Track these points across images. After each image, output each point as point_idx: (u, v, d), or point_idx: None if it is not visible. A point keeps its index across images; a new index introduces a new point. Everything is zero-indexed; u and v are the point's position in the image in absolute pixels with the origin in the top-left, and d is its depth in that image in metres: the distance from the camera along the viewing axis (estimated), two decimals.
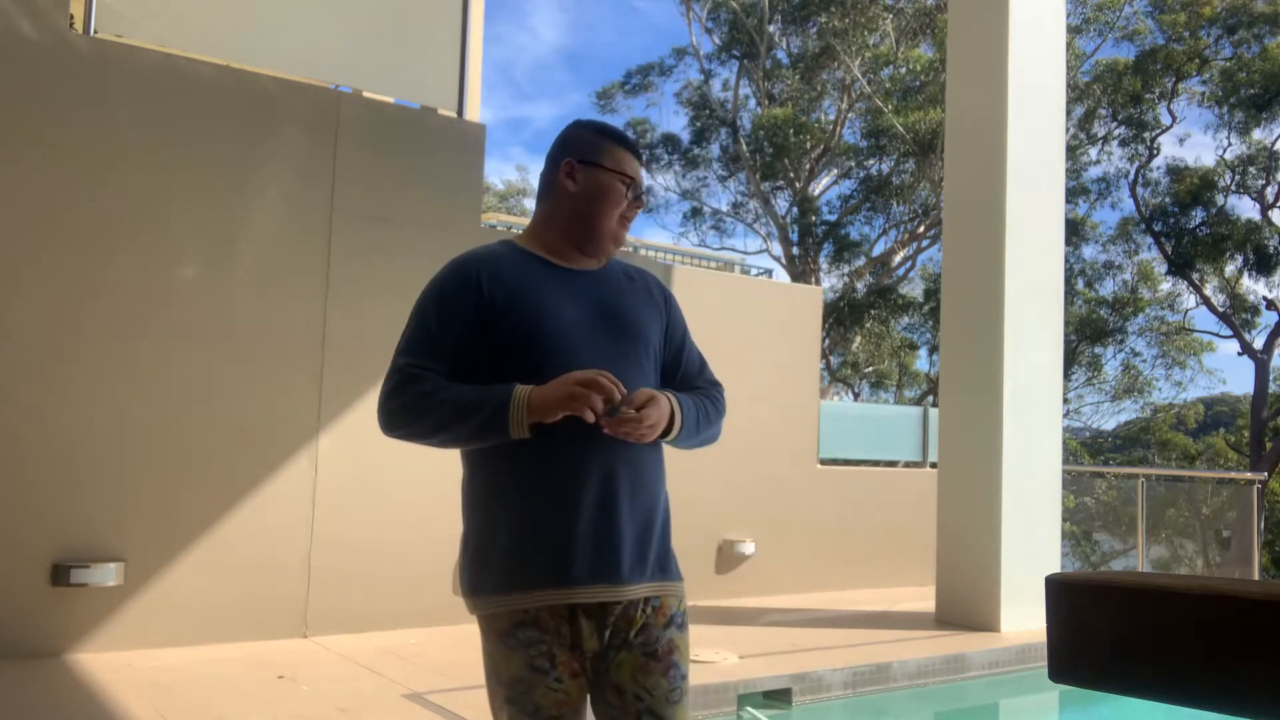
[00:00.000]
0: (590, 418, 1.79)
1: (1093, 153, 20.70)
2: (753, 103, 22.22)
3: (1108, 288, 21.63)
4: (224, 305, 5.35)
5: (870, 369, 22.99)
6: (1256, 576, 10.07)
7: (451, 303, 1.94)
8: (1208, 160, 33.30)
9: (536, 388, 1.81)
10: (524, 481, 1.87)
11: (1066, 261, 12.64)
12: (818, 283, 20.99)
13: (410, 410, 1.88)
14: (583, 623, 1.86)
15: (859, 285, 21.36)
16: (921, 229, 20.88)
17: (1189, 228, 20.35)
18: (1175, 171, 20.55)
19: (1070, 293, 20.34)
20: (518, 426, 1.80)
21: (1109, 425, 24.73)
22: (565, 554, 1.85)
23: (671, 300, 2.13)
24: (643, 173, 2.05)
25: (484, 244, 2.08)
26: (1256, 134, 20.09)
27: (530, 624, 1.85)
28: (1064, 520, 7.36)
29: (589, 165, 1.98)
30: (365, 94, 6.28)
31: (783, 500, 7.68)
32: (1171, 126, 20.63)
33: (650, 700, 1.88)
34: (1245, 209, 40.51)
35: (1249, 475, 11.81)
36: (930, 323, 20.93)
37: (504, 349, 1.89)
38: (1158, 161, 20.87)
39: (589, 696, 1.93)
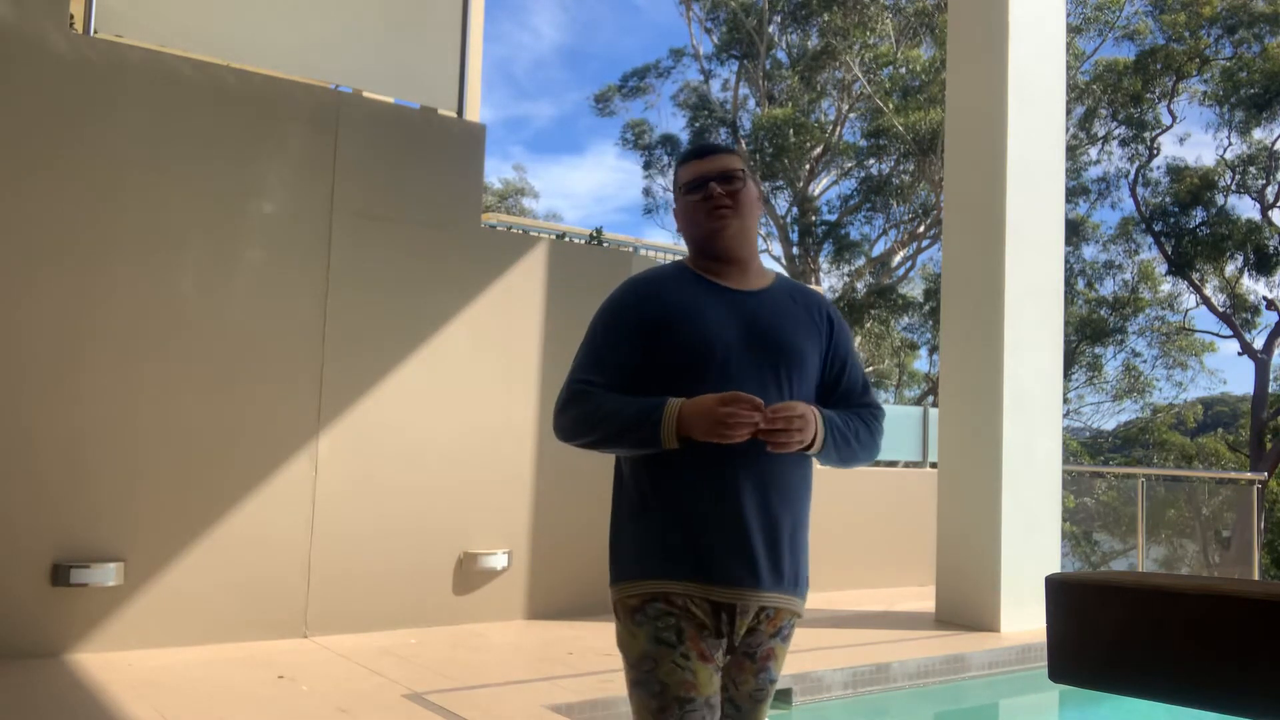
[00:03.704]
0: (738, 438, 1.88)
1: (1093, 153, 20.72)
2: (752, 103, 22.22)
3: (1108, 288, 21.65)
4: (225, 305, 5.35)
5: (870, 369, 22.99)
6: (1256, 576, 10.07)
7: (617, 325, 2.09)
8: (1208, 160, 33.28)
9: (687, 402, 1.93)
10: (673, 488, 1.99)
11: (1066, 261, 12.64)
12: (818, 283, 20.99)
13: (578, 424, 2.04)
14: (717, 615, 1.97)
15: (859, 285, 21.36)
16: (921, 229, 20.89)
17: (1189, 228, 20.35)
18: (1175, 171, 20.55)
19: (1070, 293, 20.33)
20: (669, 438, 1.93)
21: (1109, 425, 24.73)
22: (705, 558, 1.96)
23: (836, 323, 2.19)
24: (720, 159, 2.12)
25: (658, 265, 2.26)
26: (1257, 134, 20.11)
27: (660, 599, 1.95)
28: (1064, 520, 7.35)
29: (676, 196, 2.18)
30: (365, 94, 6.28)
31: None
32: (1171, 126, 20.65)
33: (734, 692, 2.03)
34: (1245, 209, 40.53)
35: (1249, 475, 11.80)
36: (930, 323, 20.92)
37: (664, 363, 2.02)
38: (1158, 161, 20.90)
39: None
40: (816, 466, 2.12)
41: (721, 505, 1.96)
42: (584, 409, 2.03)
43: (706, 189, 2.08)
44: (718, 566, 1.95)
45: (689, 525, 1.97)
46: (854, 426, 2.09)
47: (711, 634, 1.97)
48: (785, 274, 2.28)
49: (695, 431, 1.90)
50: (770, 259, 23.01)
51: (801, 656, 5.27)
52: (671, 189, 2.21)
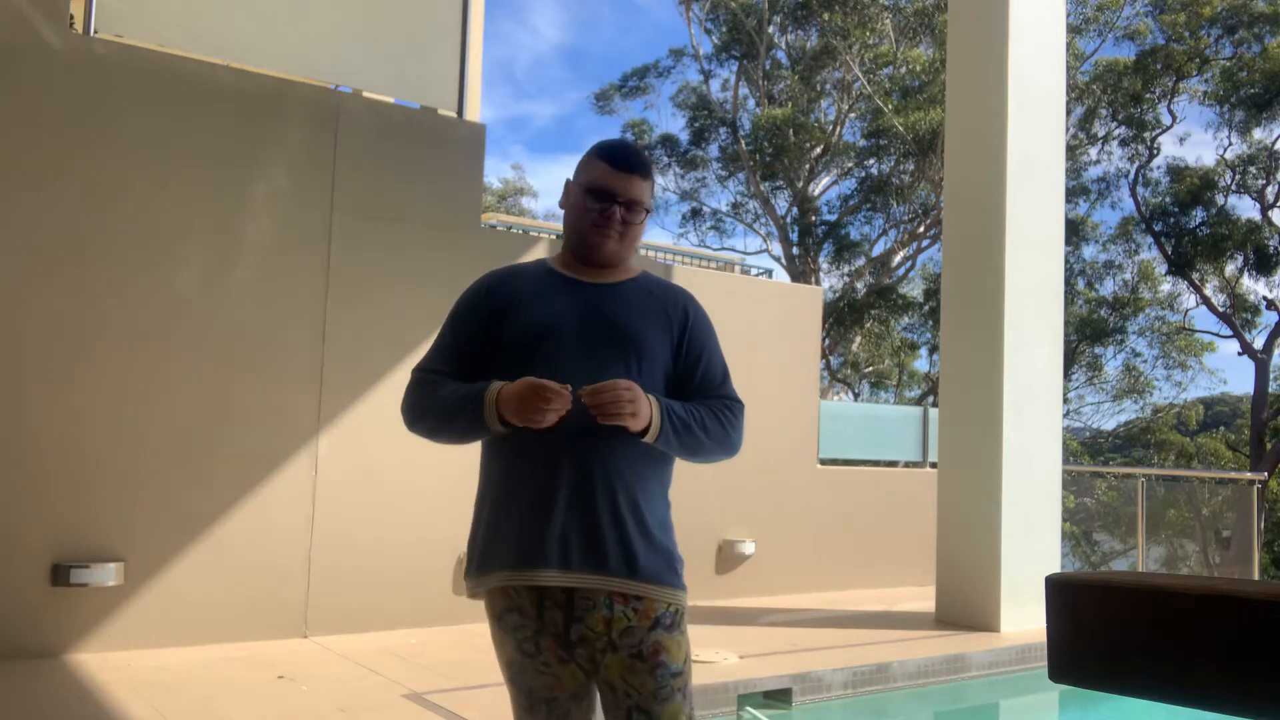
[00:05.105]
0: (546, 422, 1.90)
1: (1093, 153, 20.71)
2: (752, 103, 22.22)
3: (1108, 288, 21.65)
4: (225, 305, 5.35)
5: (870, 369, 22.99)
6: (1256, 576, 10.07)
7: (464, 312, 2.15)
8: (1208, 160, 33.28)
9: (506, 385, 1.94)
10: (501, 472, 2.04)
11: (1066, 261, 12.63)
12: (818, 283, 20.99)
13: (414, 411, 2.09)
14: (551, 610, 1.97)
15: (859, 285, 21.36)
16: (921, 229, 20.88)
17: (1189, 227, 20.35)
18: (1175, 171, 20.54)
19: (1070, 293, 20.33)
20: (491, 421, 1.95)
21: (1109, 425, 24.72)
22: (519, 539, 1.98)
23: (692, 317, 2.17)
24: (636, 183, 2.09)
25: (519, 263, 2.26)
26: (1257, 134, 20.11)
27: (515, 610, 2.00)
28: (1064, 520, 7.36)
29: (575, 183, 2.14)
30: (365, 94, 6.28)
31: (783, 500, 7.68)
32: (1171, 126, 20.64)
33: (639, 697, 1.98)
34: (1245, 209, 40.47)
35: (1249, 475, 11.79)
36: (930, 323, 20.92)
37: (502, 349, 2.05)
38: (1158, 161, 20.89)
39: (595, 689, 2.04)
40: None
41: (534, 486, 1.97)
42: (418, 396, 2.08)
43: (608, 209, 2.07)
44: (528, 549, 1.95)
45: (511, 510, 2.00)
46: (699, 416, 2.04)
47: (559, 634, 1.96)
48: (655, 275, 2.25)
49: (512, 415, 1.92)
50: (770, 259, 23.06)
51: (801, 656, 5.27)
52: (574, 173, 2.16)
